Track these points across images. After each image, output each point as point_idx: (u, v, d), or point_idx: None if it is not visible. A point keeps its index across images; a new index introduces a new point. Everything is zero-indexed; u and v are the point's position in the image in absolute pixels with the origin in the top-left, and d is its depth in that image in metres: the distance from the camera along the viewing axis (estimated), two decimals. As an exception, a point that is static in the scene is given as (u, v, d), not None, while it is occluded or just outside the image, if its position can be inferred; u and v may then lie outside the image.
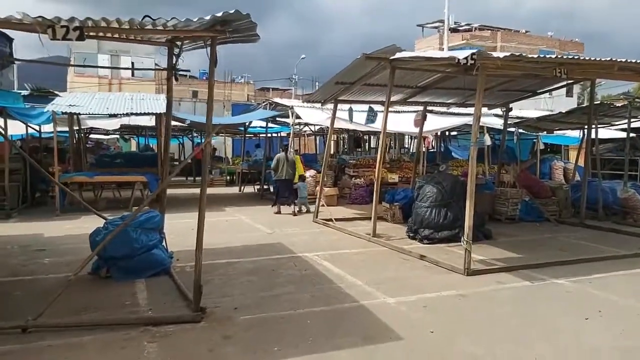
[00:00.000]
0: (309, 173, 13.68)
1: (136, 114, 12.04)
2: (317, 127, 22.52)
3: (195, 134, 24.51)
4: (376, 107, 11.16)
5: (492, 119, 14.59)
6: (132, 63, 36.76)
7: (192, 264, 6.89)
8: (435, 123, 13.54)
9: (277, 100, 14.14)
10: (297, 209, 11.96)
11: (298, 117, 13.01)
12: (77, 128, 16.49)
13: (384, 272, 6.56)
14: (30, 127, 13.63)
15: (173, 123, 18.17)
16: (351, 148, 24.02)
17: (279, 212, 11.96)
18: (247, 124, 17.00)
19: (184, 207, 13.30)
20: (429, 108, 12.59)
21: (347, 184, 15.07)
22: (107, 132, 22.23)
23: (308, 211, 11.98)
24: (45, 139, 22.85)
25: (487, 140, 11.07)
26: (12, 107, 9.74)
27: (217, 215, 11.67)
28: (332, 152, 23.10)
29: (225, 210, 12.64)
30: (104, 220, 6.64)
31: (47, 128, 16.60)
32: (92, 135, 23.62)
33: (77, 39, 4.05)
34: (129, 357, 3.96)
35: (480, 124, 8.78)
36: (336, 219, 10.76)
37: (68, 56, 36.54)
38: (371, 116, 11.07)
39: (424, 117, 11.70)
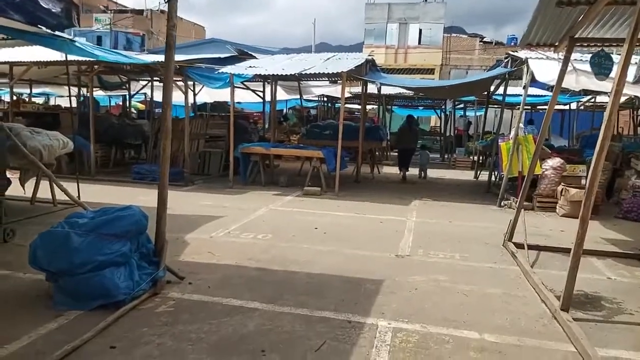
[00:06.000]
0: (551, 162, 8.89)
1: (310, 75, 9.87)
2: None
3: (457, 105, 20.91)
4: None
5: None
6: (420, 30, 34.96)
7: (187, 297, 4.38)
8: None
9: (513, 52, 9.57)
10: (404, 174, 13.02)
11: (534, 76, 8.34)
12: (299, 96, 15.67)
13: None
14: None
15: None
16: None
17: (404, 179, 12.94)
18: (491, 90, 12.67)
19: (393, 193, 10.52)
20: None
21: (624, 185, 9.41)
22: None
23: (424, 178, 13.52)
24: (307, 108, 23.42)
25: None
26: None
27: (387, 211, 8.60)
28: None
29: (407, 205, 9.33)
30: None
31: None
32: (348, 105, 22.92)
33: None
34: None
35: None
36: (548, 248, 6.27)
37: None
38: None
39: None
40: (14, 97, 15.73)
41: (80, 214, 4.36)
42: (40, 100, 17.95)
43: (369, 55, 11.20)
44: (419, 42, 35.09)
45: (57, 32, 6.81)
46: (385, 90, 17.29)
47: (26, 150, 5.56)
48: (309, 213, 8.19)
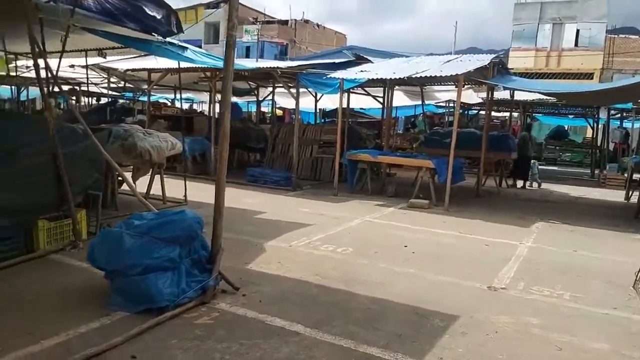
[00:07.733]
0: None
1: (424, 79, 9.14)
2: None
3: (614, 115, 18.05)
4: None
5: None
6: (577, 30, 31.21)
7: (233, 310, 4.09)
8: None
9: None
10: (527, 184, 13.13)
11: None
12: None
13: None
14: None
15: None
16: None
17: (514, 185, 13.17)
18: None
19: (515, 211, 9.34)
20: None
21: None
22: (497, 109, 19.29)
23: (539, 185, 13.21)
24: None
25: None
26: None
27: (499, 233, 7.59)
28: None
29: (527, 227, 8.10)
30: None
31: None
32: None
33: None
34: None
35: None
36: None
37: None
38: None
39: None
40: (161, 102, 17.53)
41: (142, 216, 4.41)
42: (186, 105, 19.74)
43: (496, 57, 10.05)
44: (576, 44, 31.31)
45: (167, 39, 7.22)
46: (523, 96, 15.62)
47: (103, 150, 5.87)
48: (405, 228, 7.54)
